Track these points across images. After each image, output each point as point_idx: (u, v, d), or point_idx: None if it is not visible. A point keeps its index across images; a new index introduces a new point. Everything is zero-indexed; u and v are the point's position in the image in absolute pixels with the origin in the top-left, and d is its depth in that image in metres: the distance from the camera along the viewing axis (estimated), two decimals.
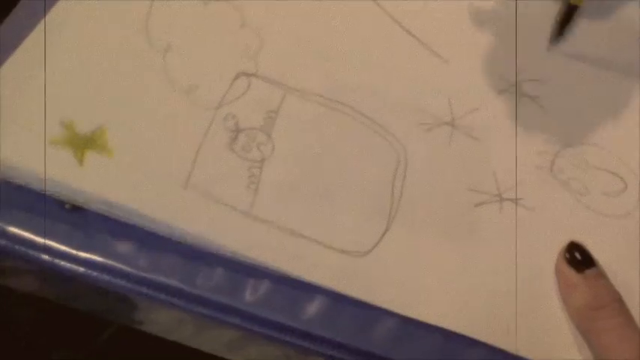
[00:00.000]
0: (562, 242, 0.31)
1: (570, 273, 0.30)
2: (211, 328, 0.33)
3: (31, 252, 0.32)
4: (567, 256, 0.31)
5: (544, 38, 0.37)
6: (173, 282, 0.31)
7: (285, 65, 0.35)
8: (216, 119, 0.34)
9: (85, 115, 0.33)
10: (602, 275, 0.30)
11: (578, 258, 0.30)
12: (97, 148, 0.32)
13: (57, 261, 0.32)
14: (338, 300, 0.31)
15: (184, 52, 0.35)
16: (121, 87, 0.34)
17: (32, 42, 0.34)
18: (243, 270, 0.31)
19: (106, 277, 0.31)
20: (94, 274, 0.31)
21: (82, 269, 0.31)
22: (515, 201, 0.33)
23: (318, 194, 0.32)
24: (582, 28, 0.36)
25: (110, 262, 0.32)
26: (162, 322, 0.35)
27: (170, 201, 0.31)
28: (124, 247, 0.32)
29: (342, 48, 0.36)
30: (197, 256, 0.32)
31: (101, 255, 0.32)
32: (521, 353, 0.30)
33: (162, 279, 0.31)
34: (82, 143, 0.32)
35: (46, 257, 0.32)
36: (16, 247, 0.32)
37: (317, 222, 0.32)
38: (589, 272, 0.30)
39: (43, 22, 0.35)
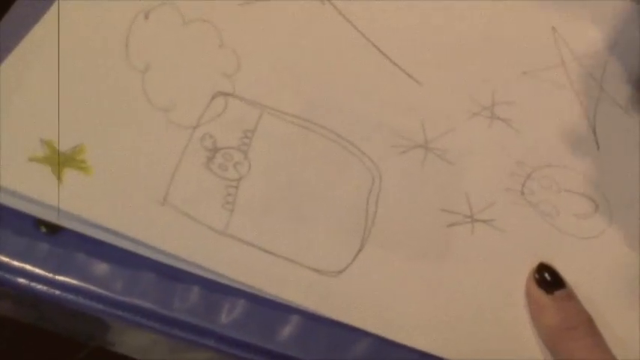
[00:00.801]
0: (532, 263, 0.32)
1: (540, 294, 0.31)
2: (186, 350, 0.33)
3: (8, 276, 0.32)
4: (537, 277, 0.31)
5: (517, 61, 0.37)
6: (148, 305, 0.31)
7: (262, 85, 0.35)
8: (194, 138, 0.34)
9: (64, 132, 0.33)
10: (571, 296, 0.30)
11: (547, 279, 0.31)
12: (75, 165, 0.33)
13: (33, 284, 0.32)
14: (313, 321, 0.31)
15: (163, 71, 0.35)
16: (100, 105, 0.34)
17: (10, 62, 0.34)
18: (218, 290, 0.31)
19: (81, 300, 0.31)
20: (70, 297, 0.31)
21: (57, 292, 0.32)
22: (487, 222, 0.33)
23: (293, 213, 0.33)
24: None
25: (86, 285, 0.32)
26: (136, 343, 0.35)
27: (147, 219, 0.32)
28: (100, 268, 0.32)
29: (318, 70, 0.36)
30: (173, 276, 0.32)
31: (77, 278, 0.32)
32: None
33: (137, 302, 0.31)
34: (61, 161, 0.32)
35: (22, 281, 0.32)
36: None
37: (292, 241, 0.32)
38: (558, 293, 0.30)
39: (20, 44, 0.35)
